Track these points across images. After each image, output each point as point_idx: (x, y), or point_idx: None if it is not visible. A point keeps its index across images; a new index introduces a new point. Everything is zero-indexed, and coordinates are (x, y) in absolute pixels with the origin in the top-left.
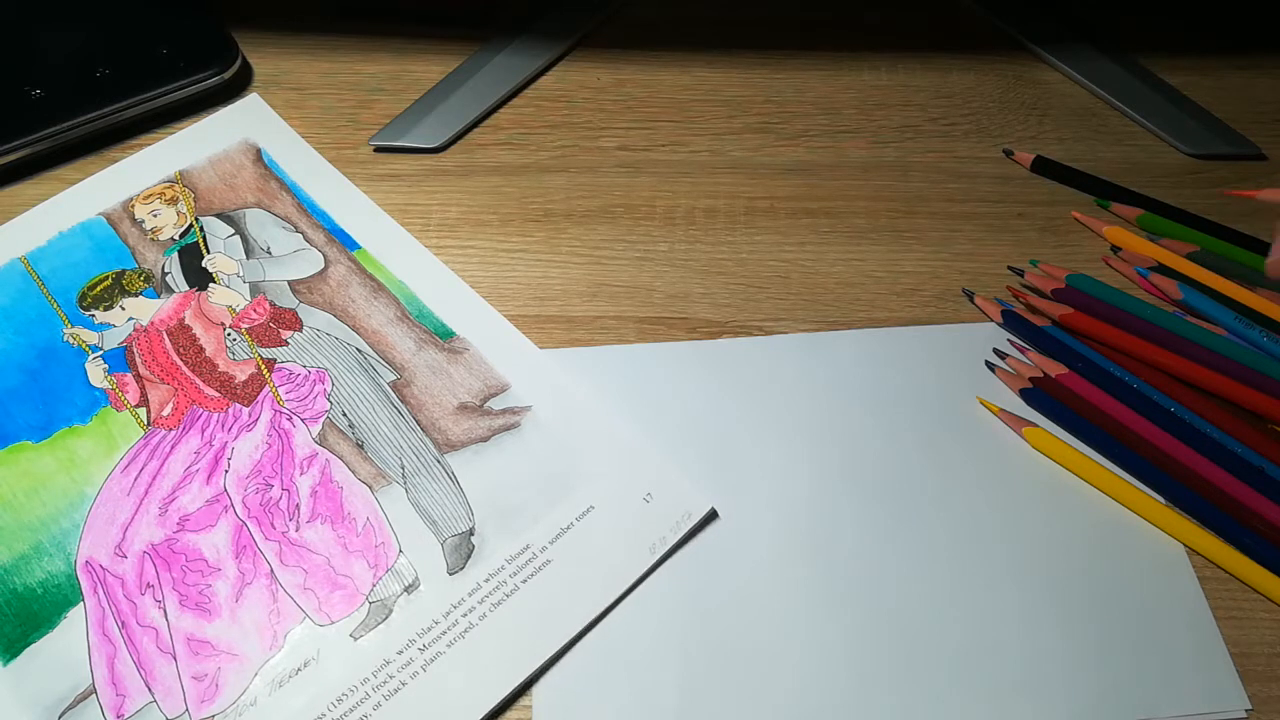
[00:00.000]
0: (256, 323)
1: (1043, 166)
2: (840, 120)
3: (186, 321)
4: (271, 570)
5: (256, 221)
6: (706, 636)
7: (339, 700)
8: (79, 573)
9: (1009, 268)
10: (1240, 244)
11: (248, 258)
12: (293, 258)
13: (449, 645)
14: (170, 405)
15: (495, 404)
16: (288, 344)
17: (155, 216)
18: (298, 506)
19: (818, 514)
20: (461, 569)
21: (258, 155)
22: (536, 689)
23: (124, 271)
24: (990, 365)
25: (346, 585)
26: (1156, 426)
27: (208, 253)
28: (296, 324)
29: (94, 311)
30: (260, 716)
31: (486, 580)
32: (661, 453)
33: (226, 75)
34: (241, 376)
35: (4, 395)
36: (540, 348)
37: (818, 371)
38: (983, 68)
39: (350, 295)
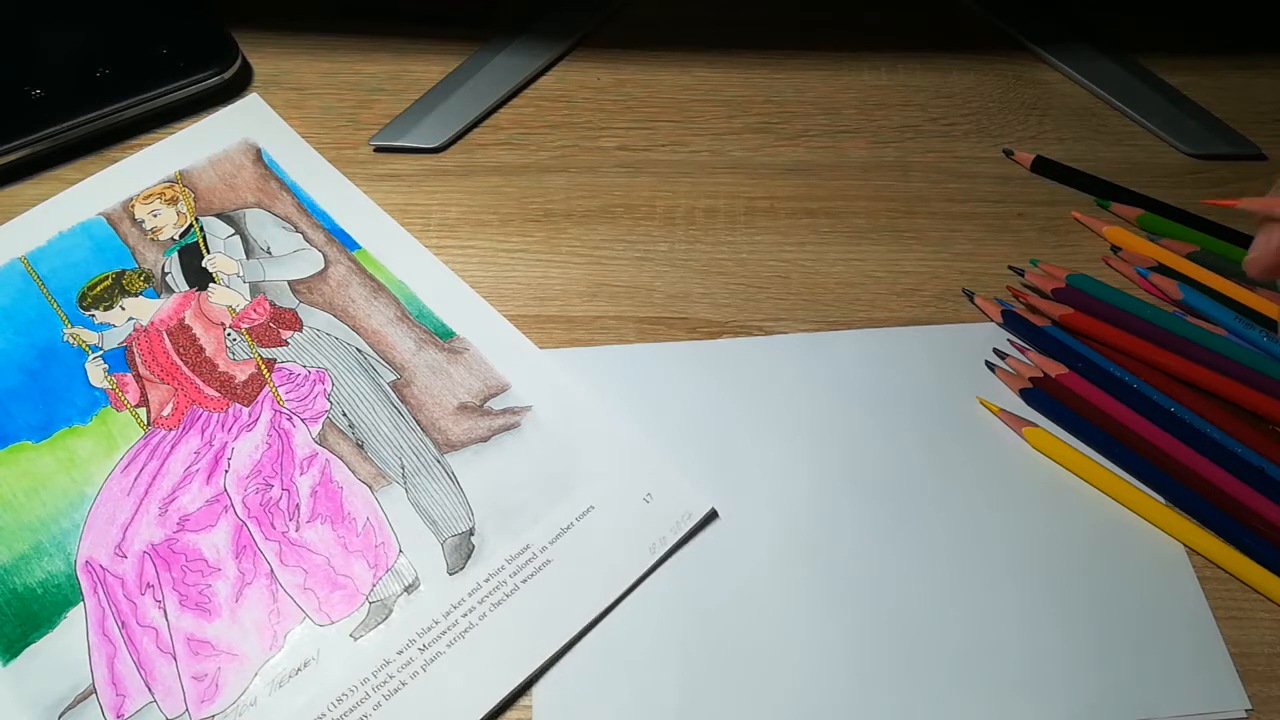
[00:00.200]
0: (256, 323)
1: (1043, 166)
2: (840, 120)
3: (186, 321)
4: (271, 570)
5: (256, 221)
6: (706, 636)
7: (339, 700)
8: (79, 573)
9: (1009, 268)
10: (1240, 244)
11: (248, 258)
12: (293, 258)
13: (449, 645)
14: (170, 405)
15: (495, 404)
16: (288, 344)
17: (155, 216)
18: (298, 506)
19: (818, 514)
20: (461, 569)
21: (258, 155)
22: (536, 689)
23: (124, 271)
24: (990, 365)
25: (346, 585)
26: (1156, 426)
27: (208, 253)
28: (296, 324)
29: (94, 311)
30: (260, 716)
31: (486, 580)
32: (661, 453)
33: (226, 75)
34: (241, 376)
35: (4, 395)
36: (540, 348)
37: (818, 371)
38: (983, 68)
39: (350, 295)
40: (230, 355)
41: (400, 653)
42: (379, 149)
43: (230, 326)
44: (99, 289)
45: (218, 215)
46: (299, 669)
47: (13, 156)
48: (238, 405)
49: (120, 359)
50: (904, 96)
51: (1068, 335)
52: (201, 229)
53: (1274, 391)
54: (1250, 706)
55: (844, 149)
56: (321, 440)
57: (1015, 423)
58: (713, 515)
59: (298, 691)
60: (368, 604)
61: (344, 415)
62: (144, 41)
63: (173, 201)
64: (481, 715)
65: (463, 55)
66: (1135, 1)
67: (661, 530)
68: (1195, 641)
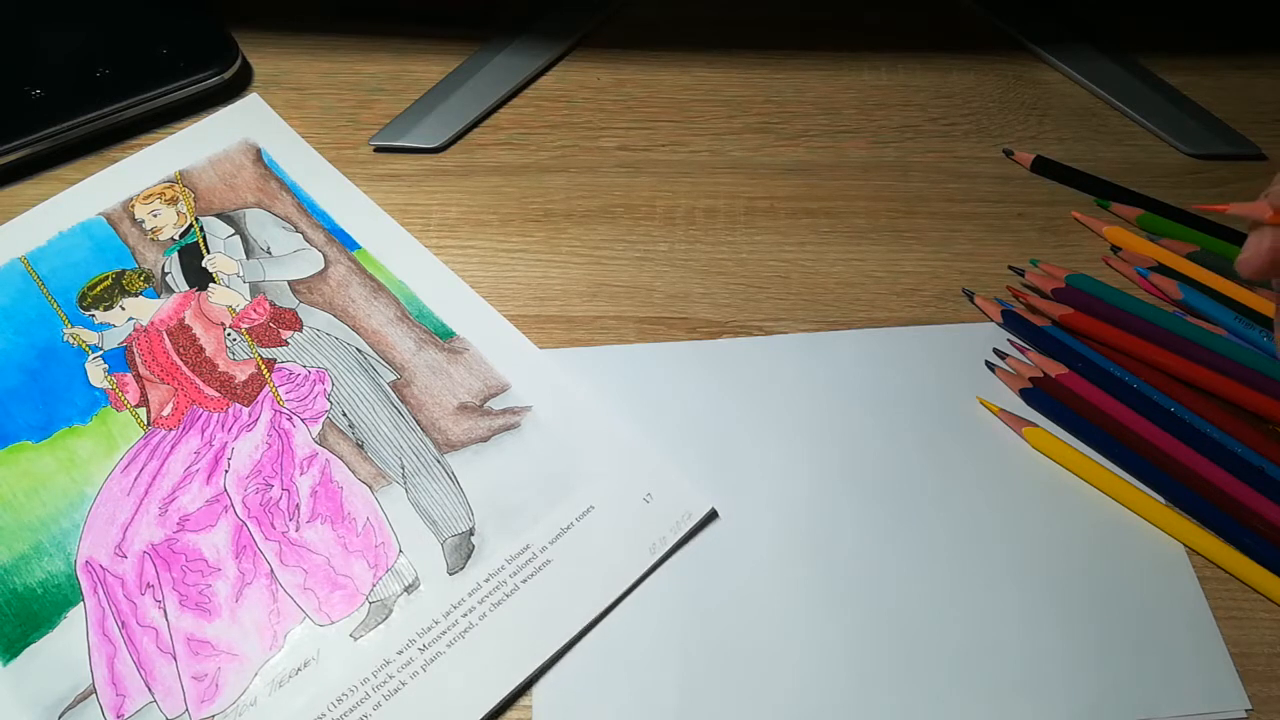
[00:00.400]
0: (256, 323)
1: (1043, 166)
2: (840, 120)
3: (186, 321)
4: (271, 570)
5: (256, 221)
6: (706, 636)
7: (339, 700)
8: (79, 573)
9: (1009, 268)
10: (1239, 244)
11: (248, 258)
12: (293, 258)
13: (449, 645)
14: (170, 405)
15: (495, 404)
16: (288, 344)
17: (155, 216)
18: (298, 506)
19: (818, 514)
20: (461, 569)
21: (258, 155)
22: (536, 689)
23: (124, 271)
24: (990, 365)
25: (346, 585)
26: (1156, 426)
27: (208, 253)
28: (296, 324)
29: (94, 311)
30: (260, 716)
31: (486, 580)
32: (661, 453)
33: (226, 75)
34: (241, 376)
35: (4, 395)
36: (540, 348)
37: (818, 371)
38: (983, 68)
39: (350, 295)
40: (230, 355)
41: (400, 653)
42: (379, 149)
43: (230, 326)
44: (99, 289)
45: (218, 215)
46: (299, 669)
47: (13, 156)
48: (238, 405)
49: (120, 359)
50: (904, 96)
51: (1068, 335)
52: (201, 229)
53: (1274, 391)
54: (1250, 706)
55: (844, 149)
56: (321, 440)
57: (1015, 423)
58: (713, 515)
59: (298, 691)
60: (368, 604)
61: (344, 415)
62: (144, 41)
63: (173, 201)
64: (481, 715)
65: (463, 55)
66: (1135, 1)
67: (661, 530)
68: (1195, 641)
